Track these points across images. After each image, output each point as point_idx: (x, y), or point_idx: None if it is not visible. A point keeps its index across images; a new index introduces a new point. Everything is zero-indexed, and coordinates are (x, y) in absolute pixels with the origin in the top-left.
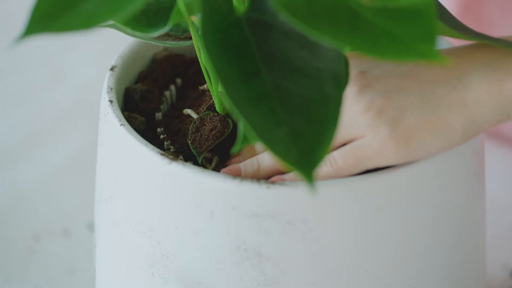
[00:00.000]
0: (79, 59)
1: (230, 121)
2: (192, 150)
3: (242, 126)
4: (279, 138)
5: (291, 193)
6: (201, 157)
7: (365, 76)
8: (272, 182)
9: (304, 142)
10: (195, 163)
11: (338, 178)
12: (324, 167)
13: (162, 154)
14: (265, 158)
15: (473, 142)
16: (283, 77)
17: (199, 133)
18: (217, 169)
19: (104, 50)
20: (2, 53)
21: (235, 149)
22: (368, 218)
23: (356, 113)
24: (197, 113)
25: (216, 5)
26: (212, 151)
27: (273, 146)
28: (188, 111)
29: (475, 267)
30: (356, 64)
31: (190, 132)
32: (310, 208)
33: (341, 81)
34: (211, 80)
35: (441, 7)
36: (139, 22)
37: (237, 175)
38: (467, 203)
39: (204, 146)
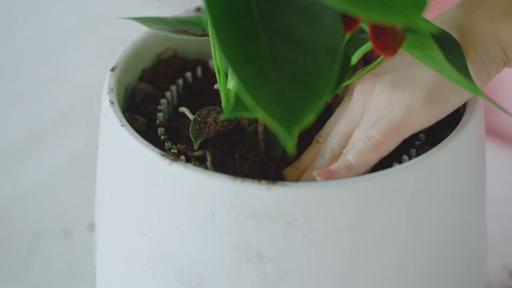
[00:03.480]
0: (79, 59)
1: (233, 120)
2: (191, 135)
3: (232, 96)
4: (266, 95)
5: (291, 193)
6: (198, 142)
7: (372, 71)
8: (273, 182)
9: (290, 103)
10: (196, 163)
11: (376, 157)
12: (364, 145)
13: (162, 155)
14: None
15: (473, 142)
16: (280, 45)
17: (203, 121)
18: (214, 164)
19: (104, 50)
20: (2, 53)
21: (224, 116)
22: (368, 218)
23: (375, 99)
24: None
25: None
26: (205, 149)
27: (259, 101)
28: (183, 109)
29: (475, 267)
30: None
31: (195, 118)
32: (310, 208)
33: (336, 55)
34: (221, 77)
35: None
36: None
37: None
38: (468, 203)
39: (204, 133)
